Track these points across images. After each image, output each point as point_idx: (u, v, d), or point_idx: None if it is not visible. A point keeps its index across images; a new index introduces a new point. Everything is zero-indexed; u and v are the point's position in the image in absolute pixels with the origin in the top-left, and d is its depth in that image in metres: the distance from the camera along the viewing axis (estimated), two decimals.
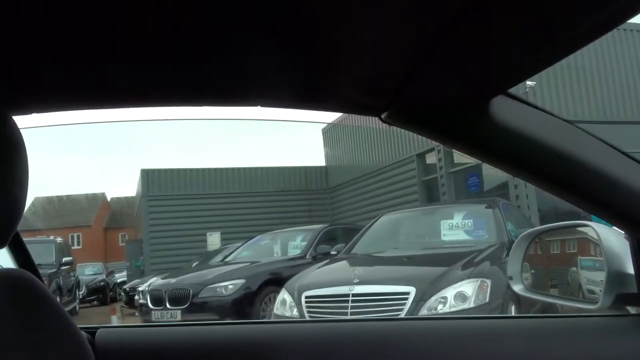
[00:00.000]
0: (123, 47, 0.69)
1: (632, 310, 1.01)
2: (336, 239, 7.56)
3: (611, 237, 1.02)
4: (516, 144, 0.82)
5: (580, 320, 1.05)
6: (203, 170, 17.01)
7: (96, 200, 38.63)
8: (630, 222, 0.87)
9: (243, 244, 8.83)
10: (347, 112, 0.93)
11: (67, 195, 38.16)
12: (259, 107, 0.91)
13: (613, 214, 0.87)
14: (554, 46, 0.68)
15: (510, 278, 1.26)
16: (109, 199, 40.10)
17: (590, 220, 1.14)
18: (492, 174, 10.86)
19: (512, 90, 0.84)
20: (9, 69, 0.73)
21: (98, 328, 1.02)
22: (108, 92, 0.85)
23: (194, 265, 10.32)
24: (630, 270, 0.95)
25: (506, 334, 1.00)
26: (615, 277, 0.96)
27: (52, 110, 0.89)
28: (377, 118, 0.90)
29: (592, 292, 1.18)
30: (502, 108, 0.82)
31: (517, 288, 1.25)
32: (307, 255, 7.24)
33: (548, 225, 1.33)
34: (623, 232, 0.96)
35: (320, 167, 18.16)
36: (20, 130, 0.82)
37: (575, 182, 0.83)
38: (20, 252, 1.06)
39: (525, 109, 0.84)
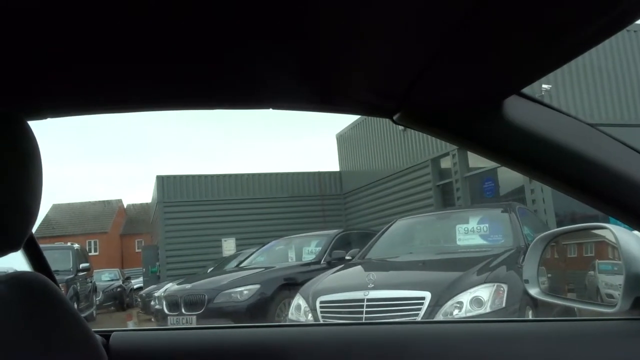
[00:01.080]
0: (136, 52, 0.69)
1: None
2: (351, 244, 7.54)
3: (630, 240, 1.00)
4: (530, 144, 0.81)
5: (598, 323, 1.03)
6: (218, 176, 17.11)
7: (112, 207, 39.02)
8: None
9: (258, 249, 8.85)
10: (359, 114, 0.93)
11: (84, 202, 38.62)
12: (270, 109, 0.91)
13: (631, 216, 0.85)
14: (567, 45, 0.67)
15: (527, 281, 1.24)
16: (125, 206, 40.54)
17: (608, 223, 1.12)
18: (508, 178, 10.78)
19: (526, 91, 0.83)
20: (24, 74, 0.74)
21: (112, 331, 1.02)
22: (122, 97, 0.86)
23: (209, 270, 10.36)
24: None
25: (523, 337, 0.98)
26: (634, 280, 0.95)
27: (66, 114, 0.90)
28: (390, 120, 0.90)
29: (610, 296, 1.16)
30: (515, 108, 0.81)
31: (534, 291, 1.23)
32: (322, 261, 7.23)
33: (565, 228, 1.31)
34: None
35: (335, 173, 18.17)
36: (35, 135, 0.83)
37: (592, 183, 0.82)
38: (35, 256, 1.07)
39: (539, 109, 0.83)
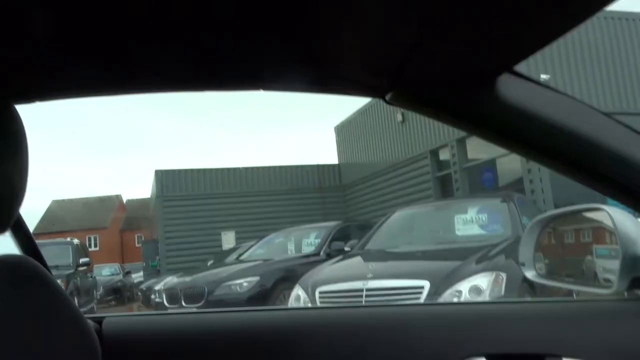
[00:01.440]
0: (124, 33, 0.68)
1: None
2: (350, 236, 7.54)
3: (626, 221, 0.99)
4: (525, 123, 0.80)
5: (594, 304, 1.03)
6: (217, 170, 17.12)
7: (112, 202, 39.06)
8: None
9: (257, 242, 8.86)
10: (351, 94, 0.91)
11: (84, 198, 38.65)
12: (261, 90, 0.90)
13: (628, 195, 0.84)
14: (559, 19, 0.66)
15: (523, 264, 1.23)
16: (124, 201, 40.56)
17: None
18: (507, 169, 10.77)
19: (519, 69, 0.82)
20: (10, 56, 0.73)
21: (105, 317, 1.01)
22: (110, 79, 0.84)
23: (209, 264, 10.37)
24: None
25: (520, 318, 0.98)
26: (630, 261, 0.94)
27: (55, 98, 0.89)
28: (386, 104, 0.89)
29: (608, 280, 1.15)
30: (508, 86, 0.80)
31: (530, 274, 1.22)
32: (321, 252, 7.24)
33: (561, 210, 1.30)
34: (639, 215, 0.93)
35: (334, 165, 18.18)
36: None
37: (587, 162, 0.81)
38: (24, 240, 1.06)
39: (532, 87, 0.82)
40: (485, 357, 0.88)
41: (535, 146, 0.83)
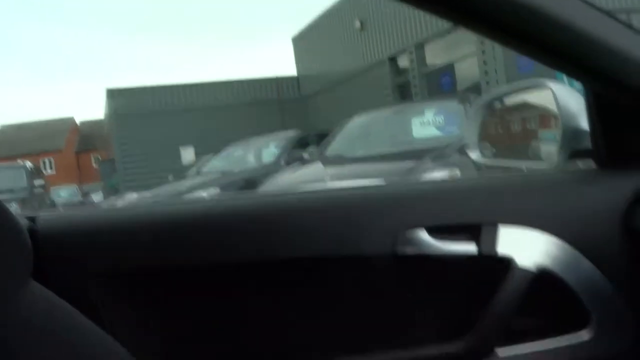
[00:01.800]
0: None
1: (586, 165, 1.00)
2: (309, 145, 7.55)
3: (568, 96, 0.99)
4: None
5: (533, 176, 1.05)
6: (172, 87, 16.62)
7: (64, 124, 37.81)
8: (585, 71, 0.83)
9: (215, 154, 8.79)
10: None
11: (34, 122, 37.26)
12: None
13: (569, 64, 0.83)
14: None
15: (467, 146, 1.24)
16: (78, 123, 39.29)
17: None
18: (465, 74, 10.80)
19: None
20: None
21: (40, 215, 0.95)
22: None
23: (170, 178, 10.33)
24: (586, 127, 0.93)
25: (460, 193, 0.99)
26: (570, 134, 0.95)
27: None
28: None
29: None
30: None
31: (474, 155, 1.23)
32: (281, 162, 7.25)
33: (503, 88, 1.29)
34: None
35: (292, 77, 17.83)
36: None
37: (529, 30, 0.78)
38: None
39: None
40: (426, 229, 0.89)
41: (480, 17, 0.79)
